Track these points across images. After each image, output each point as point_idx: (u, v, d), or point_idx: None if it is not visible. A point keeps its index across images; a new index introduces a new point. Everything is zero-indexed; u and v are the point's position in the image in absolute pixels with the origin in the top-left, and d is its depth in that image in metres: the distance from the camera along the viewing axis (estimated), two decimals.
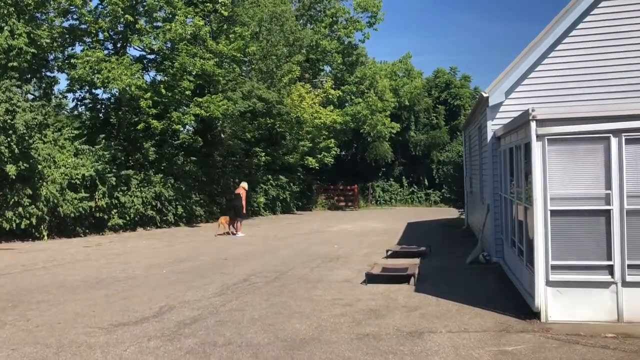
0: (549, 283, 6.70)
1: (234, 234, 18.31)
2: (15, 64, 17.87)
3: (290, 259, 12.68)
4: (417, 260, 11.71)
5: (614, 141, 6.51)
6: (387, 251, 12.88)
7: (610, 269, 6.57)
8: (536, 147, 6.71)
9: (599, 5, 10.17)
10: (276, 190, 28.90)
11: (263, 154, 28.21)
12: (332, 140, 31.83)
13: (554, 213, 6.68)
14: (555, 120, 6.72)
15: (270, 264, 11.96)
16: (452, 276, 10.14)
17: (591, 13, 10.21)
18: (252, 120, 26.86)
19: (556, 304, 6.70)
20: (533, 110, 6.68)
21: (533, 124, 6.68)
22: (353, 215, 27.87)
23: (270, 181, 28.76)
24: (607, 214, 6.55)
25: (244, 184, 19.43)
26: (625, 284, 6.53)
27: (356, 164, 37.33)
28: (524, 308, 7.22)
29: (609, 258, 6.56)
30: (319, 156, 31.31)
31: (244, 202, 18.62)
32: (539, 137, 6.70)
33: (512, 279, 9.02)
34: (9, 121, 15.72)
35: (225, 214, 19.46)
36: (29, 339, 6.52)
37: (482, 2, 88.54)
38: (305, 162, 30.73)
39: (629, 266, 6.51)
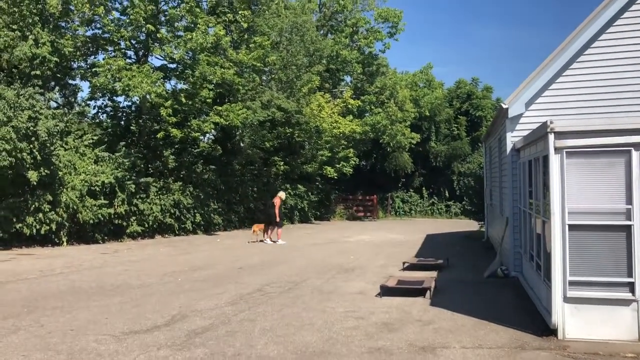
0: (567, 299, 6.52)
1: (273, 241, 18.86)
2: (38, 72, 18.19)
3: (306, 269, 12.60)
4: (434, 273, 11.55)
5: (635, 155, 6.33)
6: (404, 263, 12.74)
7: (631, 286, 6.37)
8: (554, 160, 6.56)
9: (622, 17, 9.99)
10: (294, 200, 28.87)
11: (282, 163, 28.24)
12: (351, 150, 31.74)
13: (572, 227, 6.51)
14: (574, 132, 6.56)
15: (285, 274, 11.89)
16: (469, 290, 9.97)
17: (614, 24, 10.04)
18: (271, 130, 26.95)
19: (574, 321, 6.52)
20: (551, 123, 6.54)
21: (551, 137, 6.54)
22: (371, 226, 27.71)
23: (289, 190, 28.72)
24: (627, 229, 6.36)
25: (281, 194, 19.88)
26: None
27: (375, 174, 37.13)
28: (540, 324, 7.05)
29: (630, 275, 6.36)
30: (337, 166, 31.23)
31: (276, 211, 18.88)
32: (557, 149, 6.55)
33: (529, 294, 8.82)
34: (31, 128, 15.97)
35: (259, 222, 19.95)
36: (40, 345, 6.53)
37: (505, 13, 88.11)
38: (324, 171, 30.67)
39: None
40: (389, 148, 33.80)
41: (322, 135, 29.21)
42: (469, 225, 25.56)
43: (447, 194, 36.97)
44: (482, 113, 37.30)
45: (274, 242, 18.72)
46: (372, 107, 33.46)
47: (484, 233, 19.45)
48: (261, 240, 18.91)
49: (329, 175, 30.94)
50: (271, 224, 19.07)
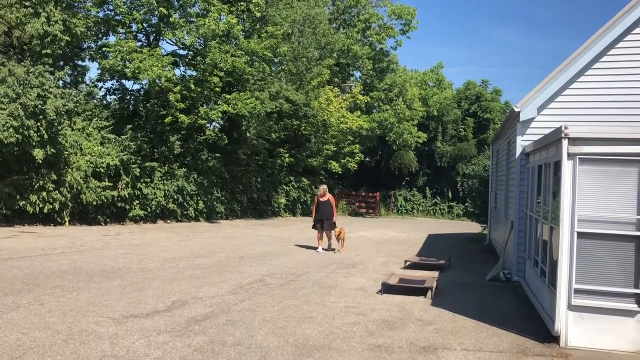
0: (571, 307, 6.46)
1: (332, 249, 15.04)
2: (49, 50, 18.12)
3: (306, 262, 12.57)
4: (435, 273, 11.49)
5: None
6: (406, 262, 12.68)
7: (637, 298, 6.31)
8: (566, 166, 6.48)
9: None
10: (297, 192, 28.85)
11: (287, 155, 28.20)
12: (357, 145, 31.67)
13: (580, 235, 6.44)
14: (588, 139, 6.48)
15: (286, 265, 11.86)
16: (471, 292, 9.92)
17: (632, 32, 9.93)
18: (278, 121, 26.92)
19: (577, 330, 6.46)
20: (566, 128, 6.46)
21: (565, 142, 6.46)
22: (373, 223, 27.66)
23: (292, 183, 28.71)
24: (637, 240, 6.29)
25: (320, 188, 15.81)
26: None
27: (380, 171, 37.05)
28: (543, 331, 7.00)
29: (636, 286, 6.29)
30: (342, 161, 31.17)
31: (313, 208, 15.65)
32: (570, 155, 6.47)
33: (532, 300, 8.76)
34: (39, 106, 15.93)
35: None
36: (40, 324, 6.51)
37: (519, 16, 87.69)
38: (329, 166, 30.62)
39: None
40: (394, 146, 33.72)
41: (328, 130, 29.17)
42: (471, 227, 25.49)
43: (450, 195, 36.88)
44: (490, 115, 37.15)
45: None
46: (381, 104, 33.37)
47: (486, 236, 19.38)
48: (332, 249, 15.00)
49: (334, 170, 30.89)
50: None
